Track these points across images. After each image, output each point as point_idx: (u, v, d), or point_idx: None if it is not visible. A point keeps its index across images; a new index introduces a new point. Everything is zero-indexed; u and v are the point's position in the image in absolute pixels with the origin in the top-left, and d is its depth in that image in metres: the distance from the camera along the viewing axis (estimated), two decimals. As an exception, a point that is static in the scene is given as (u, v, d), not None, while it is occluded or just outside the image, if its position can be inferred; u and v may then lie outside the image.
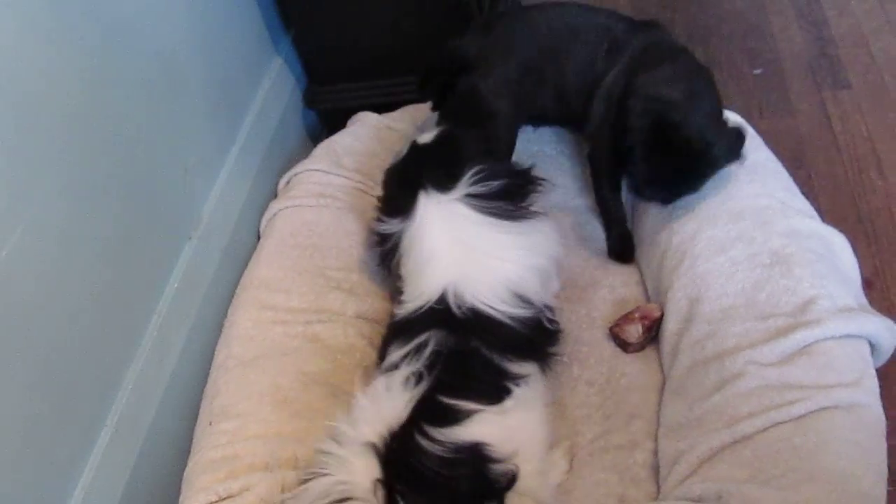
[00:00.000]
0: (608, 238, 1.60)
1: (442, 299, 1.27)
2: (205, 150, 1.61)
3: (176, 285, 1.44)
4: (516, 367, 1.24)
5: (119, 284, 1.31)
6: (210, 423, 1.33)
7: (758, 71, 2.17)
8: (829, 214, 1.50)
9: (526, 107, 1.58)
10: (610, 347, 1.43)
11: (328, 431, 1.19)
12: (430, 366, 1.19)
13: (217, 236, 1.58)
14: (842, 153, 1.90)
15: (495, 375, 1.22)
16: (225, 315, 1.51)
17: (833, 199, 1.78)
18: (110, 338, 1.28)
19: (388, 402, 1.16)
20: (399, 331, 1.30)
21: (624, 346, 1.41)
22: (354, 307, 1.50)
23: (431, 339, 1.23)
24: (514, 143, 1.60)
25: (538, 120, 1.72)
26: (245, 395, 1.35)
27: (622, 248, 1.58)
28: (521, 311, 1.28)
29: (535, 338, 1.30)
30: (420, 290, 1.31)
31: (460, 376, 1.19)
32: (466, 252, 1.31)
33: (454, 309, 1.25)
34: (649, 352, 1.41)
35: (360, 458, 1.11)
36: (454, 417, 1.14)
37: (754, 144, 1.59)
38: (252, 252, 1.62)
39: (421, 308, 1.29)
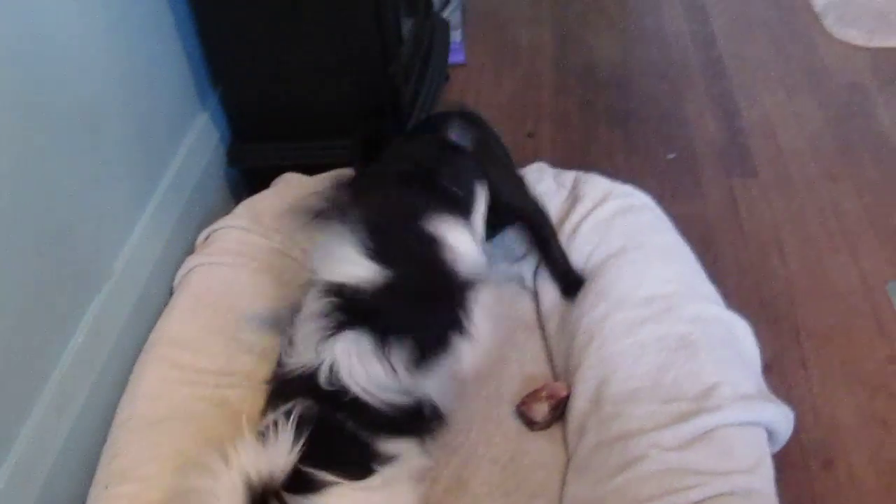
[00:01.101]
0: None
1: (317, 369, 1.23)
2: (121, 202, 1.58)
3: (81, 339, 1.40)
4: (386, 446, 1.21)
5: (19, 335, 1.26)
6: (106, 487, 1.28)
7: (671, 155, 2.24)
8: (733, 298, 1.55)
9: None
10: (516, 425, 1.43)
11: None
12: (295, 433, 1.15)
13: (128, 290, 1.54)
14: (747, 239, 1.98)
15: (360, 452, 1.19)
16: (131, 372, 1.47)
17: (738, 284, 1.85)
18: (5, 390, 1.23)
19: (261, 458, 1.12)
20: (274, 393, 1.30)
21: (530, 423, 1.42)
22: (265, 373, 1.46)
23: (296, 407, 1.18)
24: None
25: None
26: (146, 458, 1.31)
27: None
28: (399, 398, 1.24)
29: (413, 421, 1.27)
30: (301, 350, 1.27)
31: (323, 447, 1.16)
32: None
33: (324, 386, 1.21)
34: (555, 430, 1.42)
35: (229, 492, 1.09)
36: (311, 486, 1.11)
37: (665, 227, 1.65)
38: (163, 308, 1.59)
39: (294, 371, 1.25)
